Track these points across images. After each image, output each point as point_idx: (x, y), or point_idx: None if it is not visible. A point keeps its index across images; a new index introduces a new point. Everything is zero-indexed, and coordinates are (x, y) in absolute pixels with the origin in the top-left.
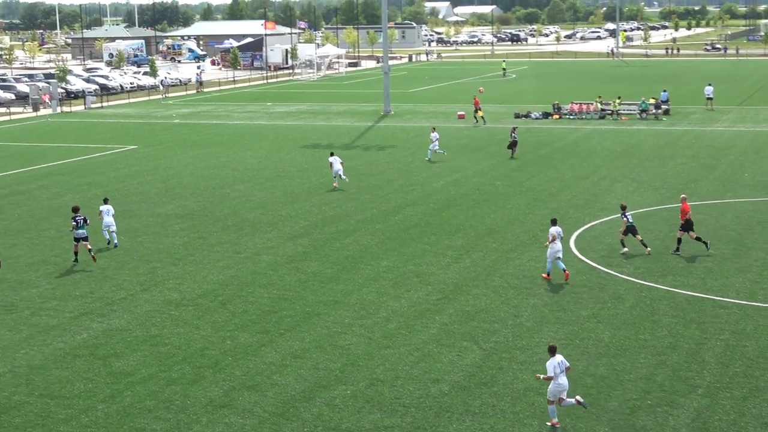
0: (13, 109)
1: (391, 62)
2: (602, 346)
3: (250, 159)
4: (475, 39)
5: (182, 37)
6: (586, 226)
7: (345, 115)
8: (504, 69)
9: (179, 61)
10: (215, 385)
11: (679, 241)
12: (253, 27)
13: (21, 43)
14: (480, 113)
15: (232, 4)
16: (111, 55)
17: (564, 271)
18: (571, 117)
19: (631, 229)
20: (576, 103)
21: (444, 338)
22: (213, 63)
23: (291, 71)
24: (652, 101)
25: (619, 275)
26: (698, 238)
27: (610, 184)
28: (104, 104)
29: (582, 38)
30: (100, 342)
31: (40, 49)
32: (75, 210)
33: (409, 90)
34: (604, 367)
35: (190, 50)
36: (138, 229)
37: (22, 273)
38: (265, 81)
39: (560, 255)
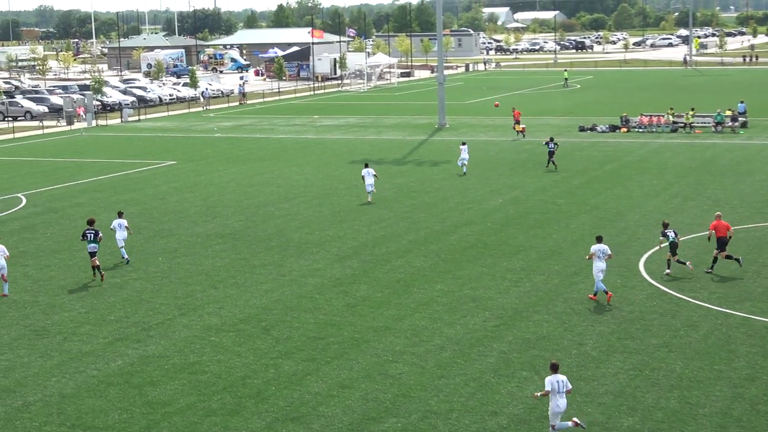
0: (46, 123)
1: (446, 72)
2: (674, 378)
3: (296, 175)
4: (537, 47)
5: (224, 46)
6: (656, 248)
7: (397, 129)
8: (566, 79)
9: (221, 72)
10: (257, 417)
11: (715, 260)
12: (299, 35)
13: (55, 53)
14: (518, 127)
15: (277, 11)
16: (149, 66)
17: (606, 292)
18: (641, 130)
19: (672, 247)
20: (646, 116)
21: (502, 368)
22: (257, 73)
23: (339, 82)
24: (728, 113)
25: (693, 300)
26: (729, 257)
27: (683, 203)
28: (142, 117)
29: (652, 45)
30: (135, 369)
31: (74, 59)
32: (90, 222)
33: (466, 101)
34: (676, 400)
35: (233, 60)
36: (177, 250)
37: (54, 296)
38: (311, 92)
39: (601, 276)
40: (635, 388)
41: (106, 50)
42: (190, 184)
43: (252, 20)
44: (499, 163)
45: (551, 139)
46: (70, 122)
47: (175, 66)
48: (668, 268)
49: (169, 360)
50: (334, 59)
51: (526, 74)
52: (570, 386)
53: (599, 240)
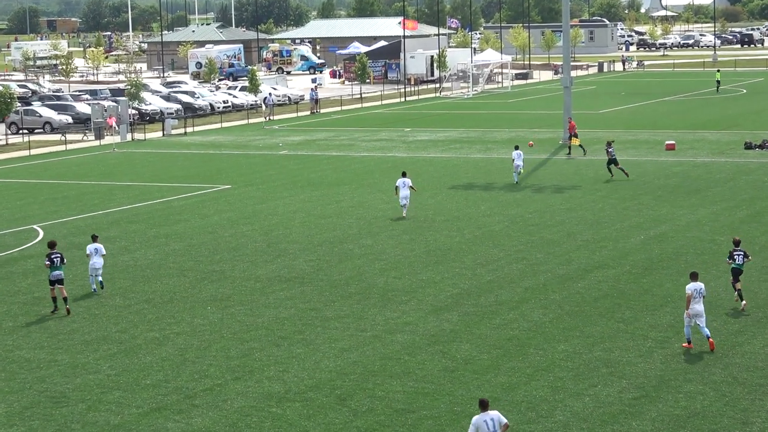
0: (70, 137)
1: (573, 73)
2: None
3: (382, 204)
4: (691, 41)
5: (293, 40)
6: None
7: (510, 145)
8: (718, 82)
9: (289, 73)
10: None
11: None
12: (387, 26)
13: (82, 49)
14: (576, 141)
15: None
16: (199, 65)
17: (708, 338)
18: None
19: (734, 273)
20: None
21: None
22: (333, 75)
23: (438, 86)
24: None
25: None
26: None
27: None
28: (189, 130)
29: None
30: None
31: (106, 57)
32: (51, 246)
33: (599, 110)
34: None
35: (304, 58)
36: (230, 297)
37: (76, 353)
38: (402, 99)
39: (700, 321)
40: None
41: (145, 46)
42: (248, 214)
43: (328, 8)
44: (641, 189)
45: (610, 144)
46: (99, 136)
47: (231, 65)
48: (740, 300)
49: None
50: (431, 57)
51: (676, 76)
52: (505, 421)
53: (694, 278)
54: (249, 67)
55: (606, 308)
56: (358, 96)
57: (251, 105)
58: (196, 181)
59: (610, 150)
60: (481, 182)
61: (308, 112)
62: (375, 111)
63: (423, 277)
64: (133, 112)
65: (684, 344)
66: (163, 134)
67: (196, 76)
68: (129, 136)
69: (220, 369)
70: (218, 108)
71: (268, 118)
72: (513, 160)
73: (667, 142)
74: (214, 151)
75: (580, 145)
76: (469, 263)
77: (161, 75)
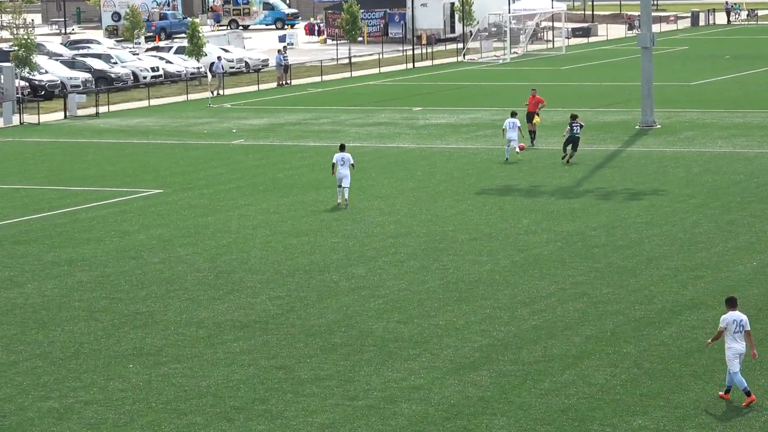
0: None
1: (656, 28)
2: None
3: (378, 216)
4: None
5: None
6: None
7: (564, 131)
8: None
9: (246, 28)
10: None
11: None
12: None
13: None
14: (537, 119)
15: None
16: (116, 17)
17: (747, 393)
18: None
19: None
20: None
21: None
22: (310, 31)
23: (461, 46)
24: None
25: None
26: None
27: None
28: (102, 109)
29: None
30: None
31: None
32: None
33: (692, 82)
34: None
35: (268, 6)
36: (162, 350)
37: None
38: (409, 65)
39: (738, 364)
40: None
41: None
42: (188, 230)
43: None
44: (753, 195)
45: (574, 119)
46: None
47: (164, 17)
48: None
49: None
50: (451, 5)
51: None
52: None
53: (732, 305)
54: (189, 19)
55: (702, 366)
56: (346, 61)
57: (192, 74)
58: (113, 183)
59: (573, 125)
60: (522, 185)
61: (274, 84)
62: (370, 83)
63: (439, 322)
64: (23, 84)
65: (720, 393)
66: (66, 116)
67: (112, 32)
68: (16, 119)
69: None
70: (144, 78)
71: (216, 92)
72: (504, 130)
73: None
74: (139, 140)
75: (531, 132)
76: (505, 301)
77: (62, 31)
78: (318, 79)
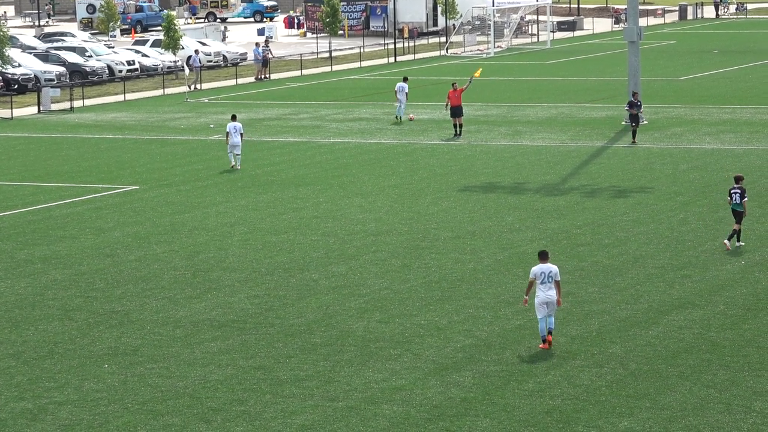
0: None
1: (643, 22)
2: None
3: (359, 213)
4: None
5: None
6: None
7: (550, 127)
8: None
9: (224, 21)
10: None
11: None
12: None
13: None
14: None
15: None
16: (91, 9)
17: (542, 339)
18: None
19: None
20: None
21: None
22: (289, 24)
23: (444, 40)
24: None
25: None
26: None
27: None
28: (76, 104)
29: None
30: None
31: None
32: None
33: (679, 77)
34: None
35: None
36: (138, 350)
37: None
38: (391, 59)
39: (539, 314)
40: None
41: None
42: (164, 228)
43: None
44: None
45: (738, 181)
46: None
47: (140, 10)
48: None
49: None
50: None
51: None
52: None
53: (544, 258)
54: (165, 12)
55: (690, 367)
56: (327, 55)
57: (168, 68)
58: (88, 179)
59: (733, 193)
60: (506, 181)
61: (253, 79)
62: (351, 77)
63: (421, 321)
64: None
65: None
66: (40, 110)
67: (87, 24)
68: None
69: None
70: (120, 72)
71: (193, 87)
72: (396, 92)
73: None
74: (115, 135)
75: (457, 126)
76: (488, 301)
77: (36, 23)
78: (298, 73)
